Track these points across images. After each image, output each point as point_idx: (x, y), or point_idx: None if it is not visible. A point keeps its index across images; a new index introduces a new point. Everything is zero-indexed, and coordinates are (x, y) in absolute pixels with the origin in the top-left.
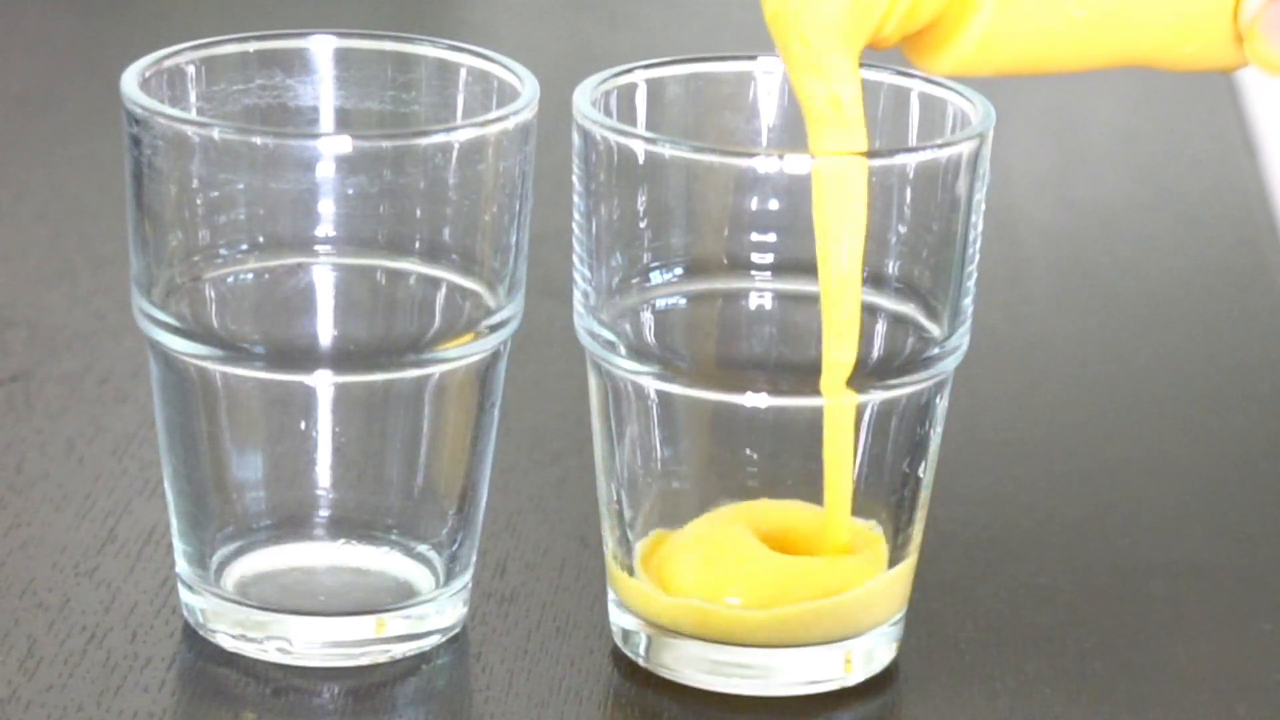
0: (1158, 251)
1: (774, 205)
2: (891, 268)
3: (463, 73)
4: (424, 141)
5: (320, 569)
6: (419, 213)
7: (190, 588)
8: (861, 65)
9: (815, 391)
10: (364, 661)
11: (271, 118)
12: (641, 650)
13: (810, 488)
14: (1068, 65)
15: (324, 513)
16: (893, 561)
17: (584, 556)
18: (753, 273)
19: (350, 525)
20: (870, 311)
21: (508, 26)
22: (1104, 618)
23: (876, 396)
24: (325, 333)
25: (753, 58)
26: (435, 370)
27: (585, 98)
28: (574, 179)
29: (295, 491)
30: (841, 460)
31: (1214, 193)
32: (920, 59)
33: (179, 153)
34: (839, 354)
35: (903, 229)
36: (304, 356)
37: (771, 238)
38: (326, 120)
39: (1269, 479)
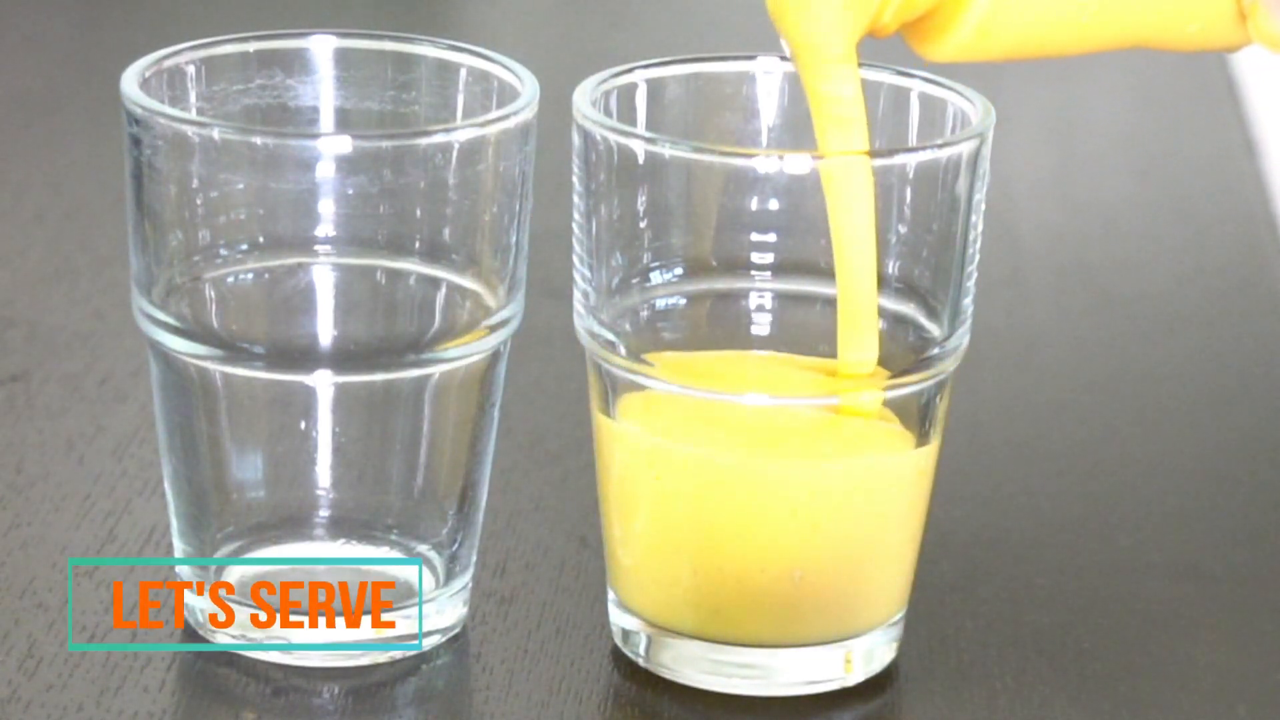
0: (1158, 251)
1: (774, 205)
2: (891, 268)
3: (463, 73)
4: (424, 141)
5: (320, 569)
6: (419, 213)
7: (191, 587)
8: (862, 65)
9: (816, 392)
10: (364, 661)
11: (271, 118)
12: (641, 650)
13: None
14: (1069, 48)
15: (324, 513)
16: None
17: (584, 556)
18: (753, 273)
19: (350, 525)
20: None
21: (508, 26)
22: (1104, 618)
23: (877, 396)
24: (325, 333)
25: (753, 58)
26: (435, 370)
27: (585, 98)
28: (574, 179)
29: (295, 491)
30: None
31: (1214, 193)
32: (920, 46)
33: (179, 153)
34: (858, 355)
35: (903, 229)
36: (304, 356)
37: (771, 238)
38: (326, 120)
39: (1269, 479)
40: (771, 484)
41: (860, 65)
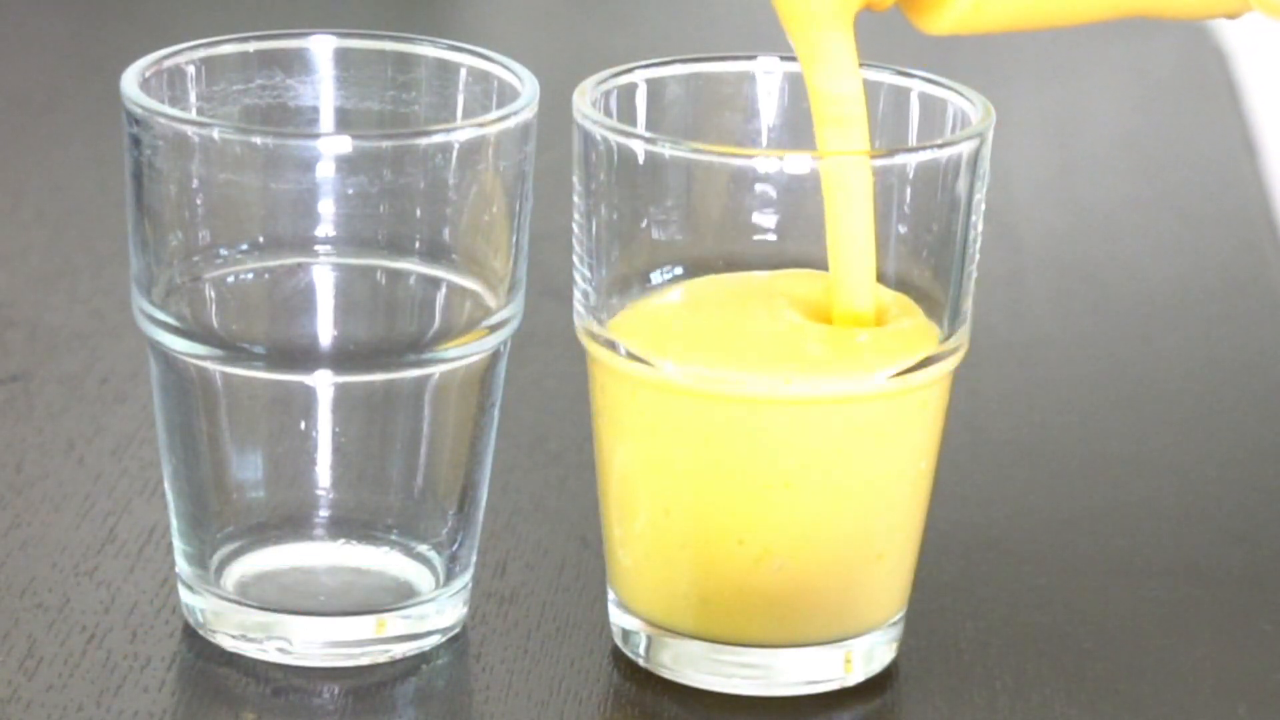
0: (1158, 251)
1: (774, 205)
2: (891, 268)
3: (463, 73)
4: (424, 141)
5: (320, 569)
6: (419, 213)
7: (190, 588)
8: (862, 65)
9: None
10: (364, 661)
11: (271, 118)
12: (641, 650)
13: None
14: (1069, 17)
15: (324, 513)
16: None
17: (584, 556)
18: (752, 273)
19: (350, 525)
20: None
21: (508, 26)
22: (1104, 618)
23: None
24: (325, 333)
25: (753, 58)
26: (435, 370)
27: (585, 98)
28: (574, 179)
29: (295, 491)
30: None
31: (1214, 193)
32: (918, 19)
33: (179, 153)
34: None
35: (903, 229)
36: (304, 356)
37: (771, 238)
38: (326, 120)
39: (1269, 479)
40: (747, 416)
41: (861, 65)
